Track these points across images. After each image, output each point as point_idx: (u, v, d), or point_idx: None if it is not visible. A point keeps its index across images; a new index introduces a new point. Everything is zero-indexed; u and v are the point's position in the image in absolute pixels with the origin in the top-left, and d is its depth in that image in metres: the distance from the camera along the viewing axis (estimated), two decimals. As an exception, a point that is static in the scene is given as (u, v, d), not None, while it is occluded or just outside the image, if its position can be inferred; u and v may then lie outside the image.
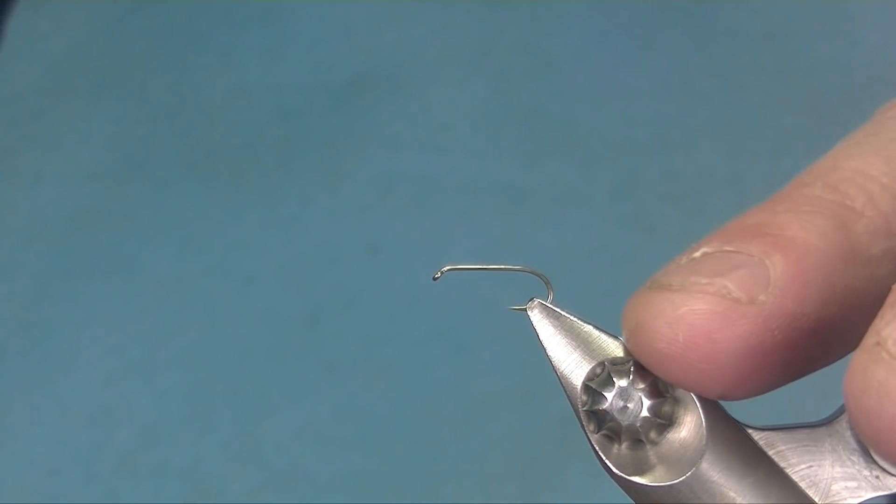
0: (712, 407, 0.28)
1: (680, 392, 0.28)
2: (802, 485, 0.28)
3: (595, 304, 1.25)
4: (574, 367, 0.28)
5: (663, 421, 0.28)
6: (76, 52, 1.47)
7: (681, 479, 0.27)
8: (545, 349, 0.28)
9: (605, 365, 0.28)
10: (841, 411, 0.29)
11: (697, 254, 0.27)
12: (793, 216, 0.26)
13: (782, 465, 0.28)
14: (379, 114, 1.38)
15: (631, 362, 0.28)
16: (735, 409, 0.29)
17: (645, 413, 0.28)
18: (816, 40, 1.41)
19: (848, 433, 0.28)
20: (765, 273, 0.25)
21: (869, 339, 0.24)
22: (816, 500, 0.28)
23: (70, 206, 1.33)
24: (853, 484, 0.28)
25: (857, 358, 0.24)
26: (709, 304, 0.25)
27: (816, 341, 0.26)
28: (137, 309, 1.25)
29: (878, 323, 0.24)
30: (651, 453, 0.28)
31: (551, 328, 0.28)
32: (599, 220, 1.27)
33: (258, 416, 1.17)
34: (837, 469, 0.28)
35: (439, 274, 0.29)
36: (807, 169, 0.27)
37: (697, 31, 1.44)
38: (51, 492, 1.14)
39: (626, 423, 0.28)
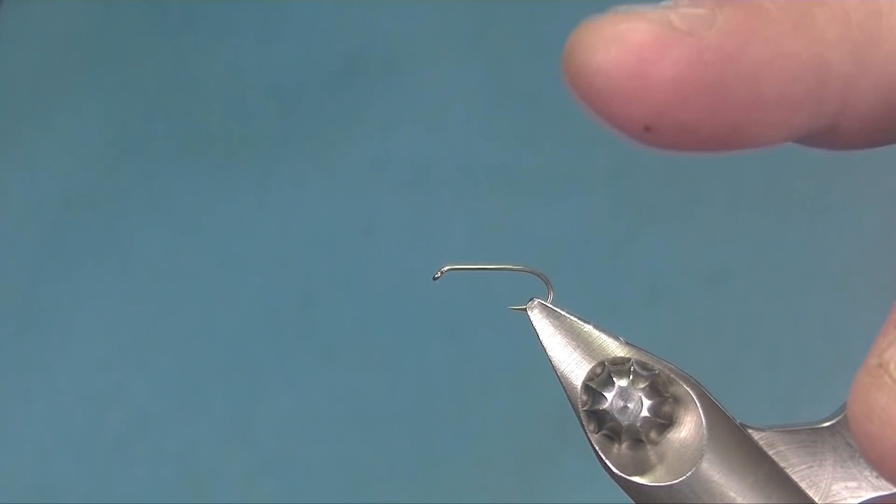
0: (713, 407, 0.28)
1: (680, 392, 0.28)
2: (803, 485, 0.28)
3: (591, 286, 1.26)
4: (574, 367, 0.28)
5: (663, 421, 0.28)
6: (70, 33, 1.47)
7: (681, 479, 0.27)
8: (545, 349, 0.28)
9: (605, 365, 0.28)
10: (841, 411, 0.28)
11: (661, 4, 0.28)
12: None
13: (783, 464, 0.28)
14: (374, 95, 1.38)
15: (631, 362, 0.28)
16: (735, 409, 0.29)
17: (645, 413, 0.28)
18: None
19: (848, 433, 0.28)
20: (712, 16, 0.26)
21: (871, 360, 0.24)
22: (817, 500, 0.28)
23: (63, 187, 1.33)
24: (853, 484, 0.28)
25: (860, 379, 0.24)
26: (646, 25, 0.26)
27: (750, 94, 0.26)
28: (131, 291, 1.25)
29: (881, 342, 0.24)
30: (651, 453, 0.28)
31: (551, 328, 0.28)
32: (596, 202, 1.27)
33: (252, 400, 1.17)
34: (838, 469, 0.28)
35: (439, 274, 0.29)
36: None
37: None
38: (43, 475, 1.14)
39: (626, 422, 0.28)
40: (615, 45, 0.26)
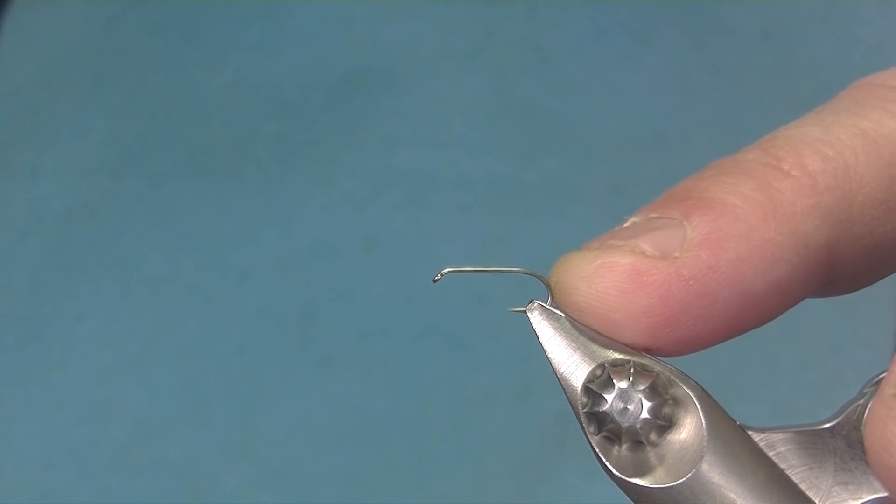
0: (713, 408, 0.28)
1: (680, 393, 0.28)
2: (803, 486, 0.28)
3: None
4: (574, 369, 0.28)
5: (663, 422, 0.28)
6: (73, 47, 1.47)
7: (681, 480, 0.27)
8: (545, 351, 0.28)
9: (605, 367, 0.28)
10: (841, 412, 0.28)
11: (626, 223, 0.28)
12: (716, 179, 0.27)
13: (783, 466, 0.28)
14: (376, 110, 1.38)
15: (631, 363, 0.28)
16: (736, 409, 0.29)
17: (645, 415, 0.27)
18: (814, 38, 1.41)
19: (848, 435, 0.28)
20: (681, 233, 0.27)
21: (887, 390, 0.24)
22: (817, 501, 0.28)
23: (66, 201, 1.33)
24: (853, 485, 0.28)
25: (876, 410, 0.24)
26: (620, 258, 0.27)
27: (739, 294, 0.27)
28: (133, 304, 1.25)
29: None
30: (651, 455, 0.28)
31: (551, 330, 0.28)
32: (596, 216, 1.27)
33: (253, 412, 1.17)
34: (838, 471, 0.28)
35: (439, 276, 0.29)
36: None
37: (695, 28, 1.44)
38: (45, 486, 1.14)
39: (626, 424, 0.27)
40: (594, 283, 0.27)
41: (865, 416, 0.28)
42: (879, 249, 0.28)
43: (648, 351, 0.28)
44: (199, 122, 1.39)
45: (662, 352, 0.28)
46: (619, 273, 0.26)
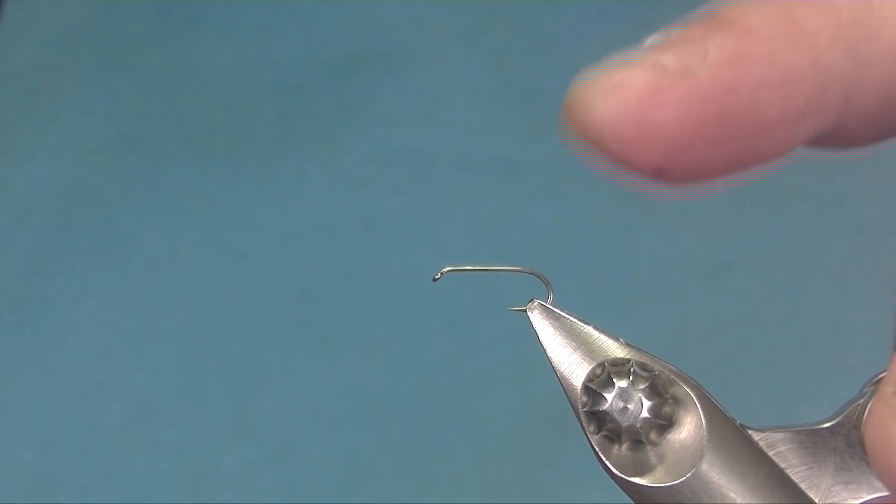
0: (713, 408, 0.28)
1: (680, 393, 0.28)
2: (803, 485, 0.28)
3: (592, 280, 1.26)
4: (574, 368, 0.28)
5: (663, 422, 0.27)
6: (74, 29, 1.47)
7: (681, 479, 0.27)
8: (545, 350, 0.28)
9: (605, 366, 0.28)
10: (842, 411, 0.28)
11: (646, 43, 0.27)
12: (742, 4, 0.27)
13: (783, 465, 0.28)
14: (376, 90, 1.38)
15: (631, 363, 0.28)
16: (735, 404, 0.29)
17: (645, 414, 0.27)
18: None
19: (848, 434, 0.28)
20: (703, 50, 0.26)
21: (886, 388, 0.24)
22: (817, 500, 0.28)
23: (66, 181, 1.33)
24: (853, 485, 0.28)
25: (876, 409, 0.24)
26: (642, 73, 0.26)
27: (755, 119, 0.26)
28: (132, 284, 1.25)
29: (895, 370, 0.24)
30: (651, 454, 0.28)
31: (551, 329, 0.28)
32: (597, 196, 1.27)
33: (252, 393, 1.17)
34: (838, 470, 0.28)
35: (439, 275, 0.29)
36: None
37: (698, 7, 1.43)
38: (43, 467, 1.14)
39: (626, 423, 0.27)
40: (614, 98, 0.26)
41: (865, 415, 0.28)
42: (894, 100, 0.27)
43: (659, 173, 0.27)
44: (198, 102, 1.38)
45: (674, 176, 0.27)
46: (639, 88, 0.26)
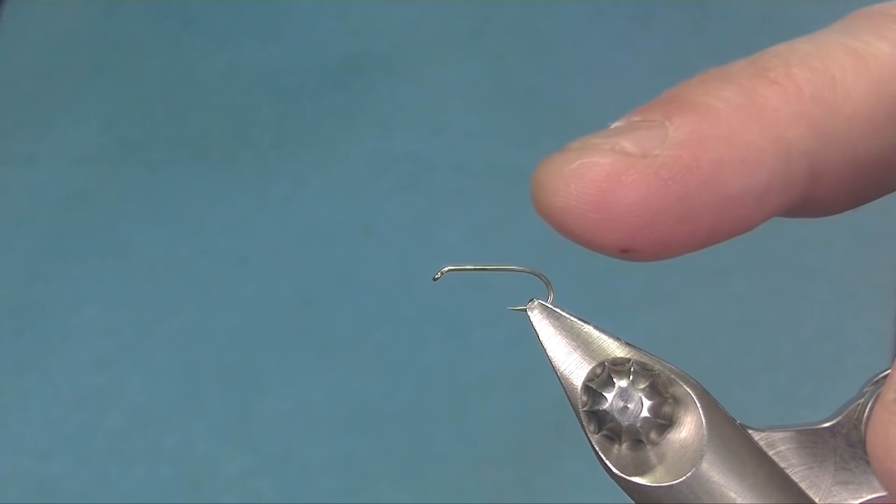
0: (713, 407, 0.28)
1: (680, 392, 0.28)
2: (803, 485, 0.28)
3: (589, 285, 1.26)
4: (574, 368, 0.28)
5: (663, 421, 0.27)
6: (71, 35, 1.47)
7: (681, 479, 0.27)
8: (545, 350, 0.28)
9: (605, 365, 0.28)
10: (841, 411, 0.28)
11: (609, 127, 0.28)
12: (701, 85, 0.27)
13: (783, 465, 0.28)
14: (373, 95, 1.38)
15: (631, 362, 0.28)
16: (735, 407, 0.29)
17: (645, 413, 0.27)
18: (812, 23, 1.40)
19: (848, 434, 0.28)
20: (663, 133, 0.27)
21: (888, 394, 0.24)
22: (817, 500, 0.28)
23: (63, 188, 1.33)
24: (853, 485, 0.28)
25: (878, 415, 0.24)
26: (600, 157, 0.26)
27: (718, 196, 0.27)
28: (130, 291, 1.25)
29: None
30: (651, 454, 0.27)
31: (551, 328, 0.28)
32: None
33: (250, 399, 1.17)
34: (839, 470, 0.28)
35: (439, 275, 0.29)
36: None
37: (694, 12, 1.43)
38: (42, 474, 1.14)
39: (626, 423, 0.27)
40: (574, 182, 0.27)
41: (865, 414, 0.28)
42: (862, 168, 0.28)
43: (625, 253, 0.27)
44: (196, 108, 1.38)
45: (640, 254, 0.27)
46: (598, 172, 0.26)
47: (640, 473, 0.27)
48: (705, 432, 0.27)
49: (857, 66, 0.27)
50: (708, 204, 0.27)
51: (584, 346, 0.28)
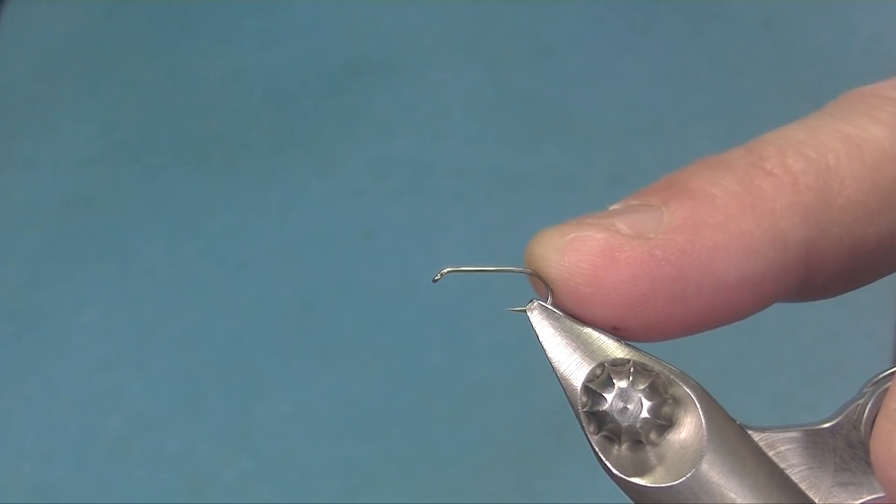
0: (713, 408, 0.28)
1: (680, 393, 0.28)
2: (803, 486, 0.28)
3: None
4: (574, 369, 0.28)
5: (663, 422, 0.28)
6: (71, 38, 1.47)
7: (681, 480, 0.27)
8: (545, 350, 0.28)
9: (604, 366, 0.28)
10: (841, 412, 0.28)
11: (608, 209, 0.29)
12: (699, 172, 0.28)
13: (783, 465, 0.28)
14: (374, 99, 1.38)
15: (631, 363, 0.28)
16: (736, 401, 0.29)
17: (645, 414, 0.27)
18: (813, 28, 1.41)
19: (848, 435, 0.28)
20: (659, 216, 0.27)
21: (892, 404, 0.24)
22: (817, 501, 0.28)
23: (64, 191, 1.33)
24: (853, 485, 0.28)
25: (882, 424, 0.25)
26: (595, 233, 0.27)
27: (712, 282, 0.27)
28: (130, 294, 1.25)
29: None
30: (651, 454, 0.28)
31: (551, 329, 0.28)
32: (595, 205, 1.25)
33: (251, 403, 1.17)
34: (838, 470, 0.28)
35: (439, 276, 0.29)
36: None
37: (694, 17, 1.43)
38: (43, 478, 1.14)
39: (626, 424, 0.27)
40: (568, 255, 0.27)
41: (865, 415, 0.28)
42: (859, 254, 0.28)
43: (616, 331, 0.28)
44: (196, 112, 1.38)
45: (630, 333, 0.28)
46: (592, 247, 0.27)
47: (640, 474, 0.27)
48: (705, 433, 0.27)
49: (851, 153, 0.28)
50: (701, 287, 0.27)
51: (584, 346, 0.28)
